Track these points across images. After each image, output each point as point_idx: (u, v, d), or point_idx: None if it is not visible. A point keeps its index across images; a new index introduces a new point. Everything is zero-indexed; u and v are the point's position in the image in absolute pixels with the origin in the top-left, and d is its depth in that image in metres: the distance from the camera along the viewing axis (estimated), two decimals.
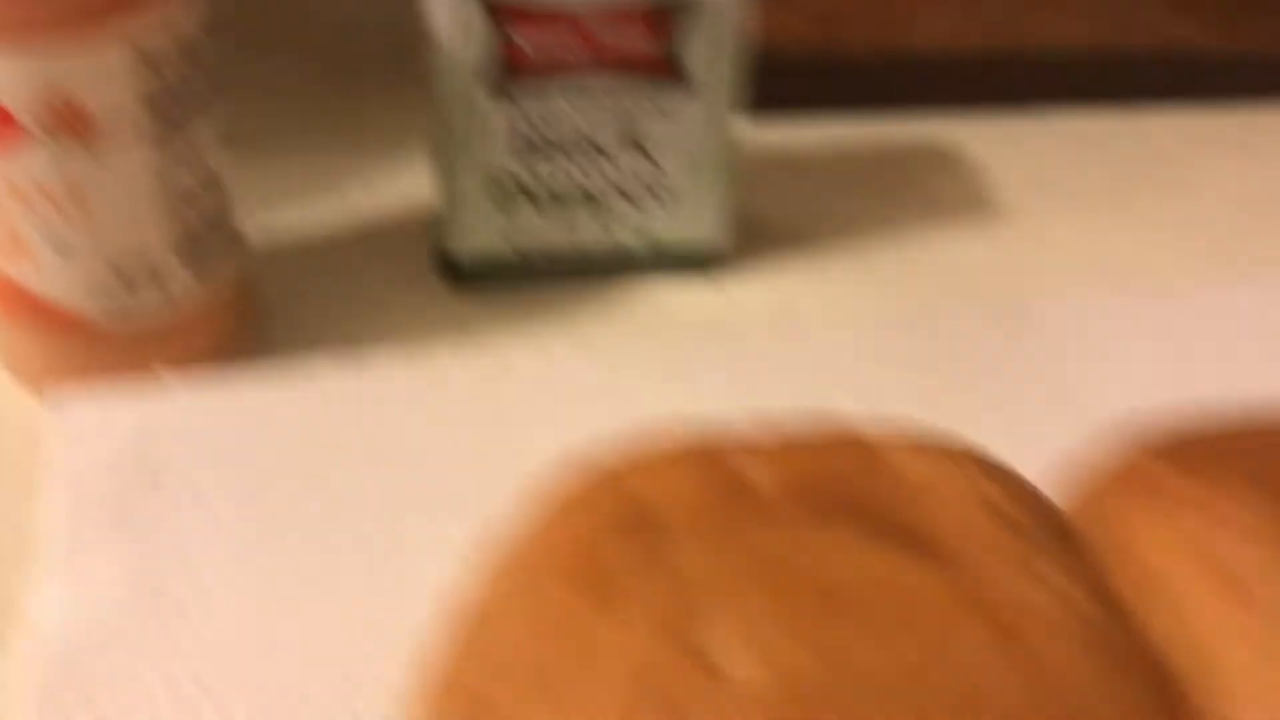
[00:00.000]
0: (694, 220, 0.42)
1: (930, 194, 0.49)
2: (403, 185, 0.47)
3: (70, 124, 0.32)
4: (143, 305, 0.35)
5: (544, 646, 0.22)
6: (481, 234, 0.41)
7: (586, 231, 0.42)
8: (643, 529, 0.24)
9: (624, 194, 0.41)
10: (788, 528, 0.24)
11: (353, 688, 0.29)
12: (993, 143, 0.52)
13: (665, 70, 0.39)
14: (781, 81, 0.48)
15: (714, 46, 0.39)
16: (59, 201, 0.33)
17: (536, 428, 0.34)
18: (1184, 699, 0.23)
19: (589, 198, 0.41)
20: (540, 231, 0.42)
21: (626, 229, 0.42)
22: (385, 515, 0.32)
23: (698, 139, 0.40)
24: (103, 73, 0.32)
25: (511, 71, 0.38)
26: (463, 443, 0.34)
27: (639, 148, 0.40)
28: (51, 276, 0.34)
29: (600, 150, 0.40)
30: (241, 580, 0.31)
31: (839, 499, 0.24)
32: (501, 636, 0.23)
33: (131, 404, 0.35)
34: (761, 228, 0.47)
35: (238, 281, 0.39)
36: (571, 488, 0.26)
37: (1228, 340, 0.38)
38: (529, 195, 0.41)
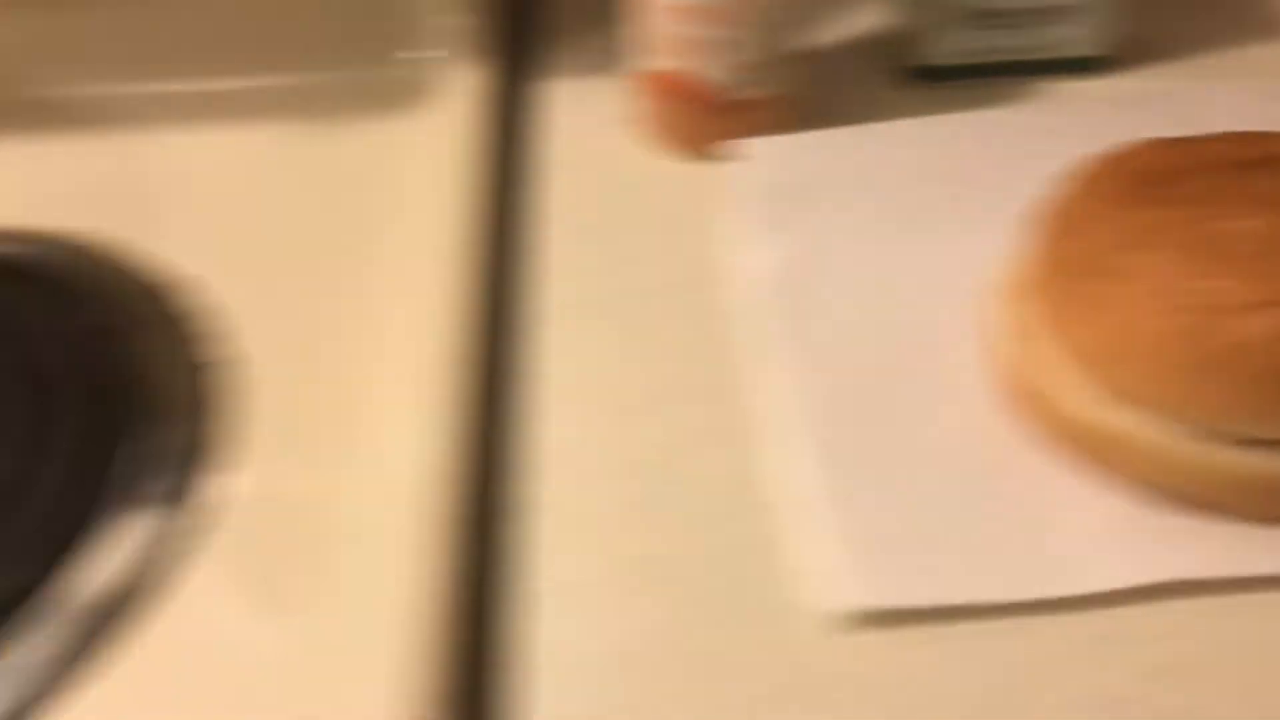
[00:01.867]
0: (1088, 32, 0.60)
1: None
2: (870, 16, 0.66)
3: None
4: (747, 90, 0.55)
5: (1105, 243, 0.41)
6: (944, 45, 0.60)
7: (1012, 40, 0.60)
8: (1153, 175, 0.42)
9: (1037, 12, 0.59)
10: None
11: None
12: None
13: None
14: None
15: None
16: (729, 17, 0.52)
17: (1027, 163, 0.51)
18: None
19: (1016, 14, 0.59)
20: (985, 40, 0.60)
21: (1040, 37, 0.60)
22: (948, 221, 0.52)
23: None
24: None
25: None
26: (989, 167, 0.53)
27: None
28: (709, 69, 0.54)
29: None
30: (851, 262, 0.51)
31: None
32: (1071, 245, 0.42)
33: (773, 151, 0.55)
34: (1138, 43, 0.63)
35: (792, 81, 0.58)
36: (1090, 165, 0.44)
37: None
38: (978, 16, 0.59)
